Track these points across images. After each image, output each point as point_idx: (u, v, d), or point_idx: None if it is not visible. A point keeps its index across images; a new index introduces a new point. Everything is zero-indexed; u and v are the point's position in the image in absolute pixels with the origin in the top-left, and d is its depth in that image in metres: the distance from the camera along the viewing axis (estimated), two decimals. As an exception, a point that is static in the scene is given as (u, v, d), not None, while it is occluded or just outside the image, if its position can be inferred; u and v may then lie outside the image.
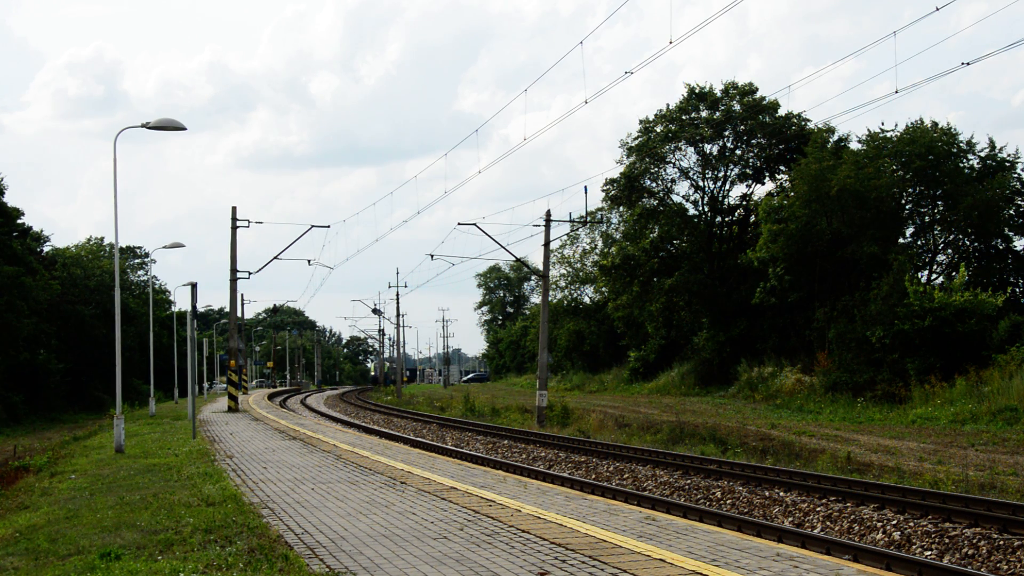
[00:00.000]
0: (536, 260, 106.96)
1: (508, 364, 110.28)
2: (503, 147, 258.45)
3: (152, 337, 43.61)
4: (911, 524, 13.96)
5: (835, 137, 46.66)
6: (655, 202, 55.00)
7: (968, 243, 42.80)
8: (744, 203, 55.59)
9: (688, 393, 50.77)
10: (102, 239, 79.97)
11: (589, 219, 52.31)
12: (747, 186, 54.83)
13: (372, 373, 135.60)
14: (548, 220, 38.66)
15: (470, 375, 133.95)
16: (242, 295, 77.51)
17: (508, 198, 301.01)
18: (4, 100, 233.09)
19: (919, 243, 43.74)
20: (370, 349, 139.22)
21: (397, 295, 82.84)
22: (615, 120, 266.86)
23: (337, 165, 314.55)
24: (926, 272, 42.94)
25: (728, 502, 17.34)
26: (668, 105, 53.62)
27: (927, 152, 40.62)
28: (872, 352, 37.28)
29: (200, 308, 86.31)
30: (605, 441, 27.34)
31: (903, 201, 43.02)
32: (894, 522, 14.17)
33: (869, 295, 38.98)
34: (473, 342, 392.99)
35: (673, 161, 53.87)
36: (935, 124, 42.16)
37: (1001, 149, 42.03)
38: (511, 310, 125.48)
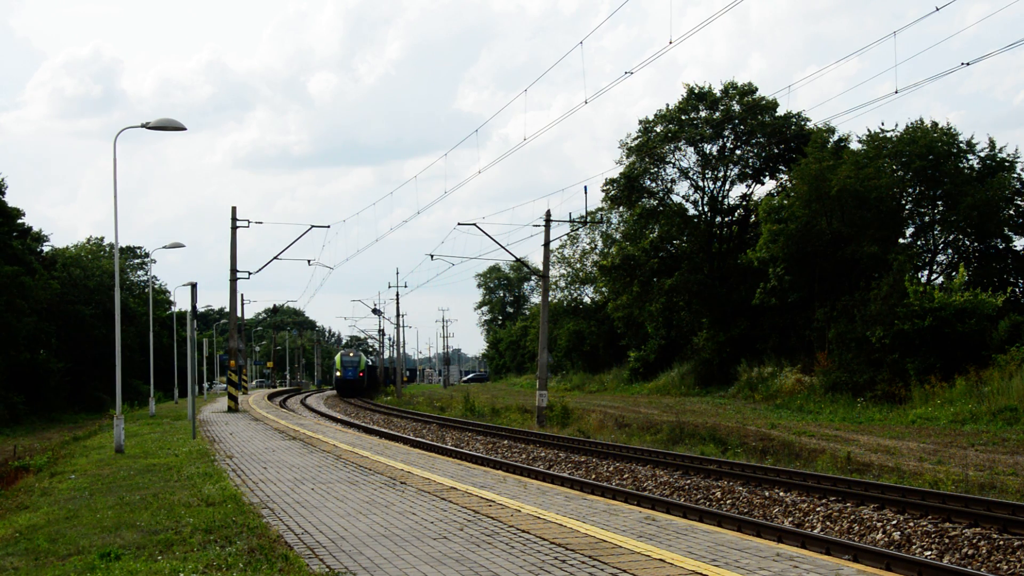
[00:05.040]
0: (536, 260, 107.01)
1: (508, 364, 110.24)
2: (503, 147, 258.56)
3: (152, 337, 43.60)
4: (911, 524, 13.96)
5: (835, 137, 46.69)
6: (655, 202, 54.97)
7: (968, 243, 42.78)
8: (744, 203, 55.58)
9: (688, 393, 50.75)
10: (102, 239, 79.98)
11: (589, 219, 52.30)
12: (747, 186, 54.88)
13: (338, 373, 79.48)
14: (548, 220, 38.67)
15: (470, 375, 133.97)
16: (242, 295, 77.51)
17: (508, 198, 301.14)
18: (1, 99, 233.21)
19: (919, 243, 43.73)
20: (370, 349, 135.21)
21: (397, 295, 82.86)
22: (615, 120, 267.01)
23: (336, 165, 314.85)
24: (926, 272, 42.94)
25: (728, 502, 17.34)
26: (668, 105, 53.62)
27: (927, 152, 40.61)
28: (872, 352, 37.26)
29: (200, 308, 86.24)
30: (605, 441, 27.34)
31: (903, 201, 43.01)
32: (894, 522, 14.16)
33: (869, 295, 38.96)
34: (473, 342, 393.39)
35: (673, 161, 53.87)
36: (935, 124, 42.17)
37: (1001, 149, 42.07)
38: (511, 310, 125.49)
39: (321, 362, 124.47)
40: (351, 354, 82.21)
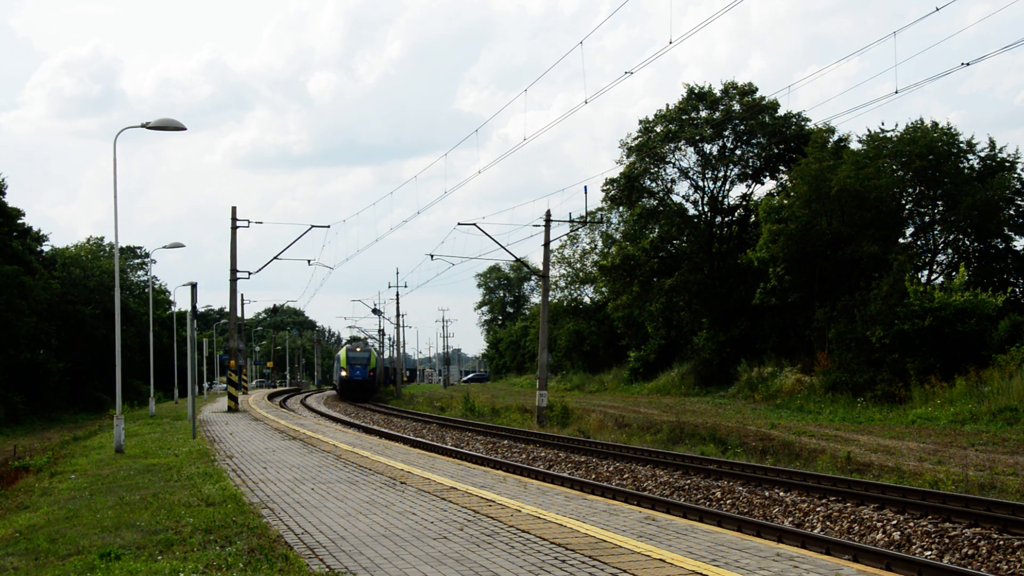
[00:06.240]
0: (536, 260, 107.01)
1: (508, 364, 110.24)
2: (503, 147, 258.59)
3: (152, 337, 43.60)
4: (911, 524, 13.96)
5: (835, 137, 46.69)
6: (655, 202, 55.00)
7: (968, 243, 42.79)
8: (744, 203, 55.61)
9: (688, 393, 50.76)
10: (102, 239, 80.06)
11: (589, 219, 52.30)
12: (747, 186, 54.93)
13: (344, 372, 66.87)
14: (548, 220, 38.68)
15: (470, 375, 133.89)
16: (242, 295, 77.35)
17: (508, 198, 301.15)
18: (0, 99, 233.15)
19: (919, 243, 43.73)
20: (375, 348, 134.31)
21: (397, 295, 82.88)
22: (615, 120, 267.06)
23: (336, 164, 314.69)
24: (926, 272, 42.94)
25: (728, 502, 17.34)
26: (668, 105, 53.68)
27: (927, 152, 40.61)
28: (872, 352, 37.27)
29: (200, 308, 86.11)
30: (605, 441, 27.34)
31: (903, 201, 43.02)
32: (894, 522, 14.17)
33: (869, 295, 38.98)
34: (473, 342, 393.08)
35: (673, 161, 53.90)
36: (935, 124, 42.16)
37: (1001, 149, 42.06)
38: (511, 310, 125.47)
39: (321, 362, 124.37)
40: (359, 349, 68.85)
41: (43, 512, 13.33)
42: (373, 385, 67.76)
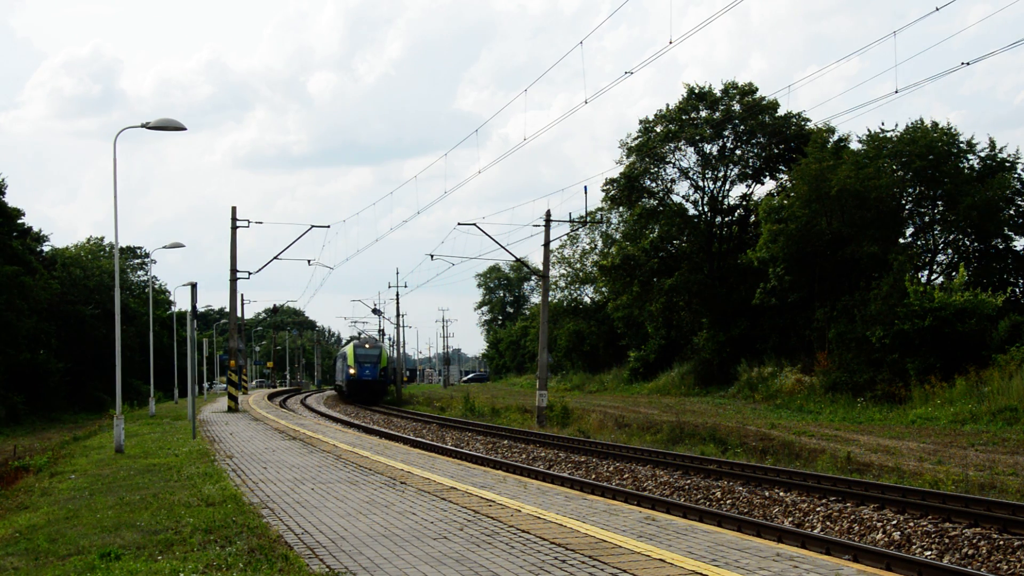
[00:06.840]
0: (536, 260, 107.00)
1: (508, 364, 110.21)
2: (503, 146, 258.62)
3: (152, 337, 43.59)
4: (911, 524, 13.96)
5: (835, 137, 46.68)
6: (655, 202, 54.99)
7: (968, 243, 42.77)
8: (744, 203, 55.60)
9: (688, 393, 50.74)
10: (102, 239, 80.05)
11: (589, 219, 52.29)
12: (747, 186, 54.91)
13: (352, 371, 61.05)
14: (548, 220, 38.68)
15: (470, 375, 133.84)
16: (242, 295, 77.30)
17: (507, 198, 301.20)
18: (0, 99, 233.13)
19: (919, 243, 43.72)
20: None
21: (397, 295, 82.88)
22: (615, 120, 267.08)
23: (336, 164, 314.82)
24: (926, 272, 42.93)
25: (728, 502, 17.34)
26: (668, 105, 53.66)
27: (927, 152, 40.60)
28: (872, 352, 37.26)
29: (200, 308, 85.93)
30: (605, 441, 27.35)
31: (903, 201, 43.01)
32: (894, 522, 14.17)
33: (869, 295, 38.97)
34: (473, 342, 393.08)
35: (673, 161, 53.88)
36: (935, 124, 42.14)
37: (1001, 149, 42.03)
38: (511, 310, 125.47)
39: (321, 362, 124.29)
40: (368, 346, 62.58)
41: (43, 512, 13.32)
42: (384, 386, 62.72)
